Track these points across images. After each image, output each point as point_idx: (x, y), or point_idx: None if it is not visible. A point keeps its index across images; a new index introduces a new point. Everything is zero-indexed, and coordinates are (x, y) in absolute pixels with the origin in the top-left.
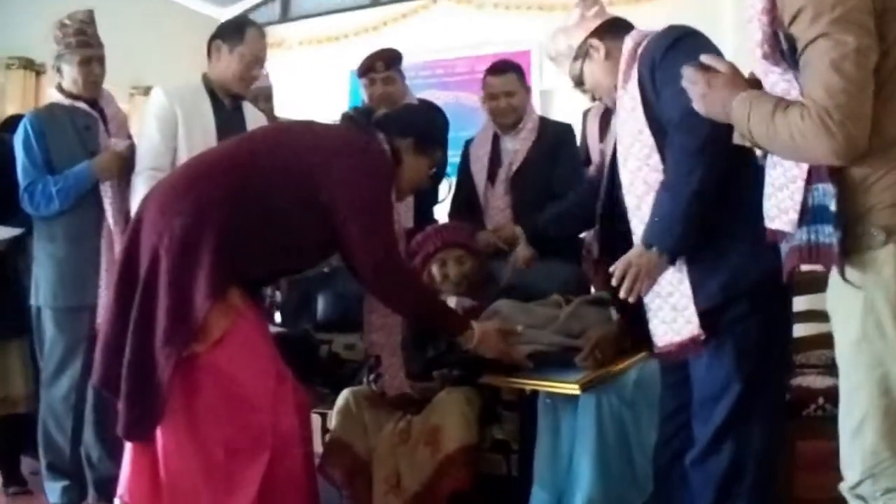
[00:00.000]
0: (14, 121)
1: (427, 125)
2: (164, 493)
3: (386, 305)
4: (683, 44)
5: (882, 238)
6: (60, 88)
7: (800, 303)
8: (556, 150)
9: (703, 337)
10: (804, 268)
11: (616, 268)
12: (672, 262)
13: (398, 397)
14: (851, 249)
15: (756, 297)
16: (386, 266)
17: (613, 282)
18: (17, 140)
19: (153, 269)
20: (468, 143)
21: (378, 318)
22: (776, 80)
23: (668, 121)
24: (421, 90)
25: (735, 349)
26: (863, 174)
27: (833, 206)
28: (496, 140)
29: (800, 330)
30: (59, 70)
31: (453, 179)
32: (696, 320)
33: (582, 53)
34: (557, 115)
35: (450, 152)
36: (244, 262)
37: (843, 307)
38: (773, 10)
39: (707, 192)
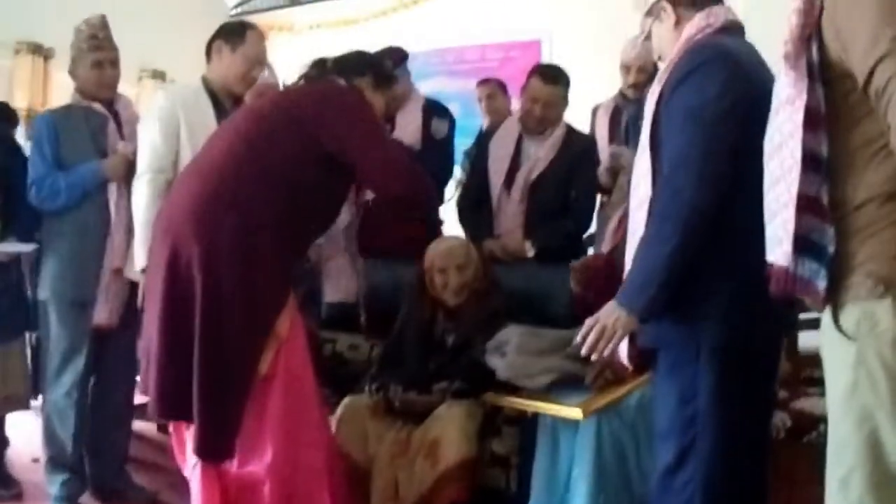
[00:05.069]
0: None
1: (378, 62)
2: None
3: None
4: (697, 75)
5: (880, 290)
6: (78, 90)
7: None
8: (578, 163)
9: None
10: None
11: (586, 323)
12: (644, 321)
13: (400, 407)
14: (844, 298)
15: (702, 351)
16: (413, 177)
17: (578, 338)
18: (33, 137)
19: (212, 279)
20: (485, 137)
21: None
22: (785, 85)
23: (661, 163)
24: (430, 78)
25: (678, 393)
26: (865, 222)
27: (831, 248)
28: (519, 141)
29: (807, 340)
30: (74, 74)
31: (461, 174)
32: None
33: (654, 12)
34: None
35: (459, 140)
36: (295, 241)
37: (835, 356)
38: (809, 13)
39: (686, 257)
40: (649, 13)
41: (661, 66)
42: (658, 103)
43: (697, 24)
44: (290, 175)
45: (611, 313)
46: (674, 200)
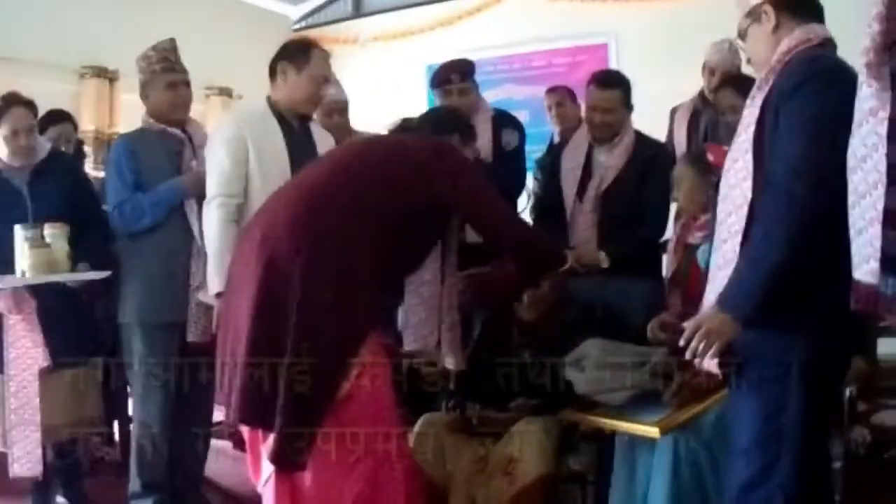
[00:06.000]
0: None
1: (463, 119)
2: None
3: (526, 268)
4: (816, 84)
5: None
6: (150, 113)
7: None
8: (648, 170)
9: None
10: None
11: (687, 327)
12: (746, 326)
13: (478, 424)
14: None
15: (794, 365)
16: (531, 235)
17: (681, 342)
18: (109, 163)
19: (310, 295)
20: (556, 146)
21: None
22: (868, 95)
23: (772, 169)
24: (497, 85)
25: (762, 408)
26: None
27: None
28: (589, 151)
29: (885, 347)
30: (146, 97)
31: (533, 183)
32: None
33: (754, 14)
34: (635, 110)
35: (529, 147)
36: (387, 275)
37: None
38: (891, 19)
39: (792, 267)
40: (750, 14)
41: (752, 69)
42: (763, 108)
43: (798, 37)
44: (391, 212)
45: (713, 318)
46: (790, 208)
